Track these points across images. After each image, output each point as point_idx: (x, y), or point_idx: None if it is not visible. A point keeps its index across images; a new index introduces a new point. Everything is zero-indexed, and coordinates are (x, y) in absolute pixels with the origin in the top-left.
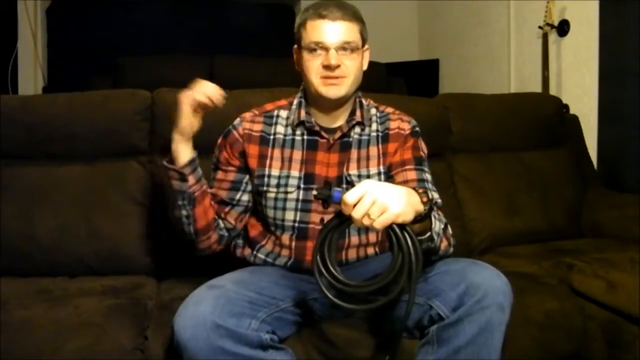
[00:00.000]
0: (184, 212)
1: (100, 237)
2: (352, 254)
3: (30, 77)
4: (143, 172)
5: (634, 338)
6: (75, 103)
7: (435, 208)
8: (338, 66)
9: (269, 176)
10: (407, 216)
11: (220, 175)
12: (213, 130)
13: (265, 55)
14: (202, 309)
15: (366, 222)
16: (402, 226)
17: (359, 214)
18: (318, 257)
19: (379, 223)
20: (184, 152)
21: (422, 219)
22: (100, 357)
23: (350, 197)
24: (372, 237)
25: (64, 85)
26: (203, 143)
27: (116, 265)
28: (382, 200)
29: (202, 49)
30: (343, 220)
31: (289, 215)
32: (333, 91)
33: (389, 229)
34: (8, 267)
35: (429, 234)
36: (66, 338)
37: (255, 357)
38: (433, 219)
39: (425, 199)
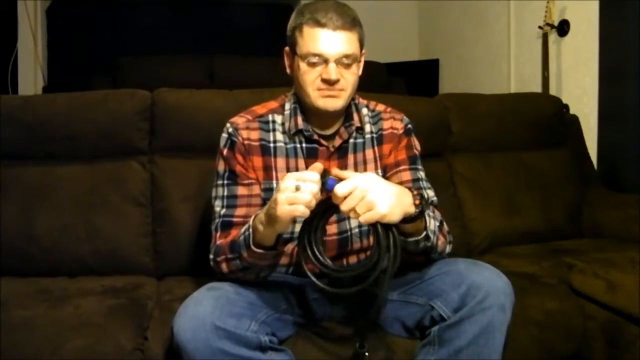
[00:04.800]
0: (264, 274)
1: (100, 237)
2: (352, 259)
3: (30, 77)
4: (143, 172)
5: (634, 338)
6: (75, 103)
7: (431, 207)
8: (337, 80)
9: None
10: (393, 217)
11: (242, 190)
12: (212, 130)
13: (265, 55)
14: (201, 310)
15: (352, 215)
16: (387, 225)
17: (346, 208)
18: (305, 238)
19: (364, 219)
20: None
21: (413, 219)
22: (100, 357)
23: (340, 189)
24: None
25: (64, 85)
26: (203, 143)
27: (116, 265)
28: (370, 198)
29: (202, 49)
30: (330, 207)
31: (299, 228)
32: (331, 104)
33: (372, 225)
34: (8, 267)
35: (424, 233)
36: (66, 338)
37: (254, 359)
38: (427, 217)
39: (417, 202)
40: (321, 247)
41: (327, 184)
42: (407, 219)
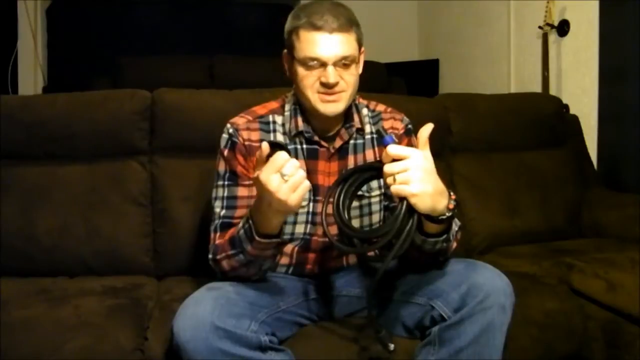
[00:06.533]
0: (266, 266)
1: (100, 237)
2: (353, 258)
3: (30, 77)
4: (143, 172)
5: (634, 338)
6: (75, 103)
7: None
8: (337, 83)
9: None
10: (420, 204)
11: (242, 191)
12: (212, 130)
13: (265, 55)
14: (201, 310)
15: (389, 180)
16: (412, 209)
17: (389, 170)
18: (338, 187)
19: (394, 189)
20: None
21: (441, 221)
22: (100, 357)
23: (392, 149)
24: None
25: (64, 85)
26: (203, 143)
27: (116, 265)
28: (411, 174)
29: (202, 49)
30: (375, 168)
31: (299, 229)
32: (331, 108)
33: (399, 201)
34: (8, 267)
35: (445, 235)
36: (66, 338)
37: (254, 359)
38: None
39: (451, 206)
40: (348, 201)
41: (384, 138)
42: (434, 219)
